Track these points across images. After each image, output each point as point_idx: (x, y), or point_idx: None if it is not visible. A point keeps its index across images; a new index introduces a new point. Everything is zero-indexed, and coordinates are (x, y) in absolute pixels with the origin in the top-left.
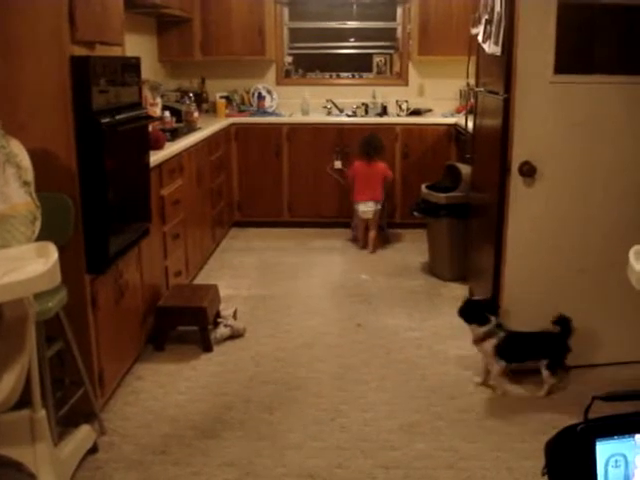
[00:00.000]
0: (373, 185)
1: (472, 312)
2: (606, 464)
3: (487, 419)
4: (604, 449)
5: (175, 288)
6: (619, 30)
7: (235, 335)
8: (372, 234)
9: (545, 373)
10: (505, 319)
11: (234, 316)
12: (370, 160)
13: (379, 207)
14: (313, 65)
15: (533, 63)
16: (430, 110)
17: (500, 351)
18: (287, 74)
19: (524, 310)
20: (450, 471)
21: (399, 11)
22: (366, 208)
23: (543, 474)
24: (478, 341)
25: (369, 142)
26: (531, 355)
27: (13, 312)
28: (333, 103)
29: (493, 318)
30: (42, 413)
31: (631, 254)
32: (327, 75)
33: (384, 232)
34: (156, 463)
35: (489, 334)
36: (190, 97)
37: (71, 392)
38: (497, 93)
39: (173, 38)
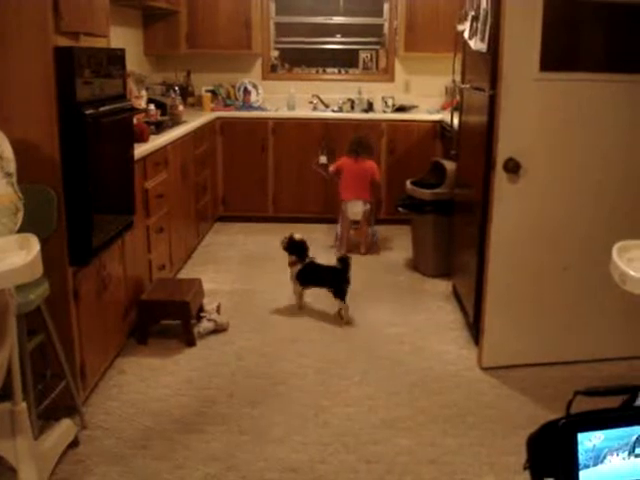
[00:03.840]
0: (361, 184)
1: (293, 248)
2: None
3: (469, 414)
4: None
5: (158, 282)
6: (605, 28)
7: (218, 329)
8: (364, 234)
9: (335, 300)
10: (489, 314)
11: (218, 310)
12: (358, 157)
13: (368, 207)
14: (299, 60)
15: (519, 60)
16: (416, 106)
17: (298, 275)
18: (273, 69)
19: (507, 306)
20: (432, 466)
21: (386, 7)
22: (355, 209)
23: (525, 468)
24: (289, 266)
25: (359, 141)
26: (320, 282)
27: None
28: (319, 98)
29: (309, 253)
30: (23, 406)
31: (614, 251)
32: (313, 70)
33: (375, 237)
34: (137, 457)
35: (296, 262)
36: (175, 90)
37: (52, 385)
38: (483, 90)
39: (159, 31)
